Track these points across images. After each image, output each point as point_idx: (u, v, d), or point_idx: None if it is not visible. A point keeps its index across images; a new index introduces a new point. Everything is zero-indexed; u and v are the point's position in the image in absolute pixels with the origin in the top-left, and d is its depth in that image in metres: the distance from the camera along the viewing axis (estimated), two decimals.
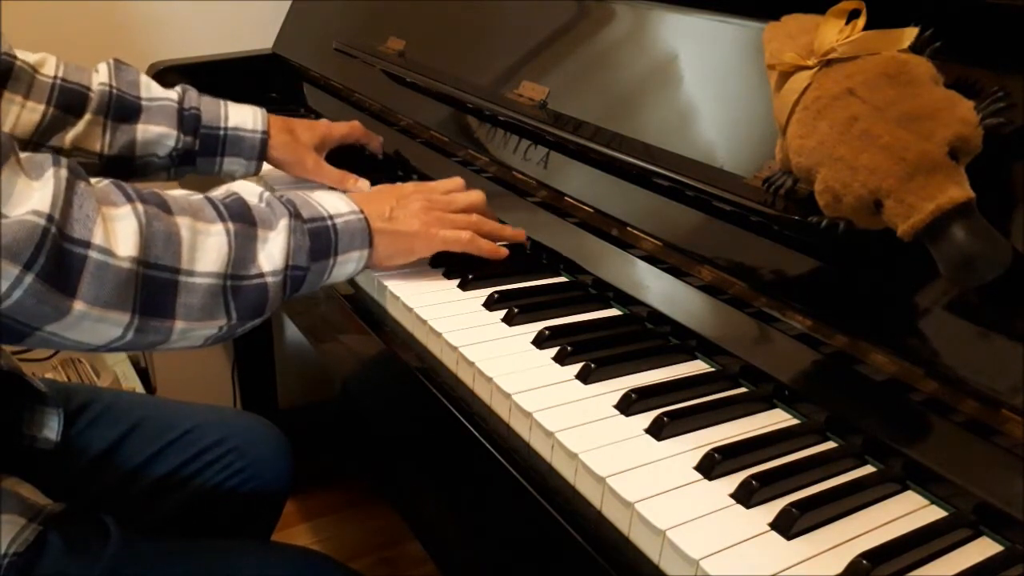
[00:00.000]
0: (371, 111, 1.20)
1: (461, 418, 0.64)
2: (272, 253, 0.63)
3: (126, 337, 0.57)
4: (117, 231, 0.55)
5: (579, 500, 0.55)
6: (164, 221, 0.58)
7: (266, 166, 1.02)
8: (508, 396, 0.61)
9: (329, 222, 0.68)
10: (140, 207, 0.57)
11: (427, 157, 1.04)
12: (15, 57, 0.85)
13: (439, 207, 0.77)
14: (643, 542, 0.50)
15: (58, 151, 0.88)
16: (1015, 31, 0.56)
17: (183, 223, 0.59)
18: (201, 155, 0.95)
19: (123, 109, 0.90)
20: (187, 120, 0.93)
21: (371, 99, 1.20)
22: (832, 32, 0.56)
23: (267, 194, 0.67)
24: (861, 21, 0.56)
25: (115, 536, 0.64)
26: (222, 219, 0.62)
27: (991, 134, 0.52)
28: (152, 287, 0.56)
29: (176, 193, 0.62)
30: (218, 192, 0.67)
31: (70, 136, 0.88)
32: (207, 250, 0.59)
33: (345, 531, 1.51)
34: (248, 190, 0.67)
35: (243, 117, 0.97)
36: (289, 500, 0.95)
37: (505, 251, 0.79)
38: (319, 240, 0.66)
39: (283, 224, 0.64)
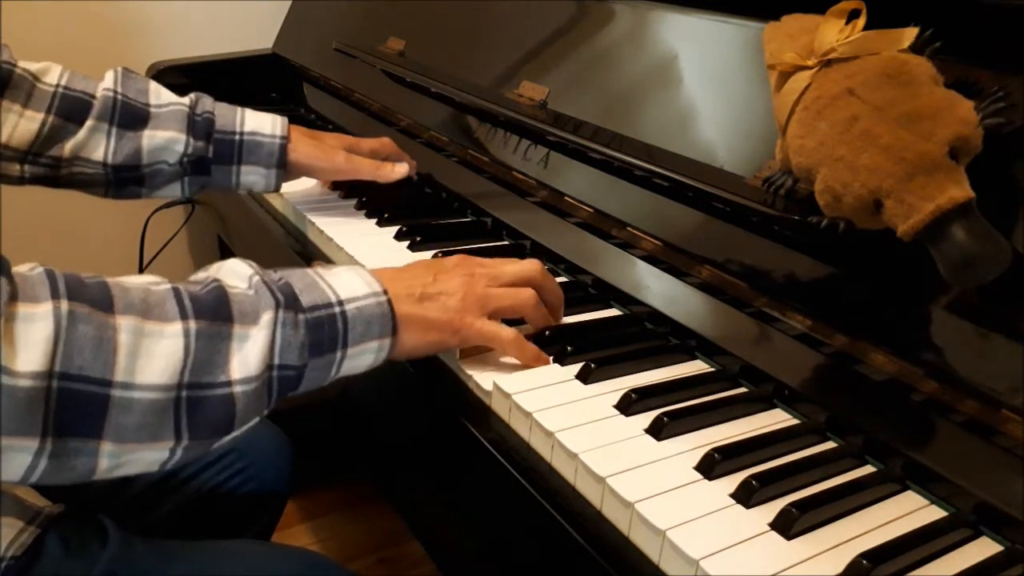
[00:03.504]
0: (371, 111, 1.20)
1: (461, 418, 0.64)
2: (247, 356, 0.53)
3: (39, 466, 0.47)
4: (21, 338, 0.45)
5: (579, 500, 0.55)
6: (96, 323, 0.48)
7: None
8: (508, 396, 0.61)
9: (337, 309, 0.57)
10: (64, 306, 0.47)
11: (427, 157, 1.04)
12: (15, 65, 0.83)
13: (483, 282, 0.65)
14: (643, 542, 0.50)
15: (58, 161, 0.85)
16: (1015, 31, 0.56)
17: (125, 324, 0.49)
18: (216, 163, 0.89)
19: (130, 116, 0.86)
20: (198, 124, 0.88)
21: (371, 99, 1.20)
22: (832, 32, 0.56)
23: (257, 278, 0.56)
24: (861, 21, 0.56)
25: (114, 538, 0.64)
26: (183, 316, 0.51)
27: (991, 134, 0.52)
28: (71, 403, 0.46)
29: (139, 282, 0.53)
30: (199, 275, 0.57)
31: (70, 145, 0.84)
32: (154, 357, 0.49)
33: (345, 531, 1.51)
34: (237, 272, 0.57)
35: (261, 122, 0.91)
36: (289, 500, 0.95)
37: (548, 360, 0.66)
38: (320, 332, 0.56)
39: (267, 318, 0.53)
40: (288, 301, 0.55)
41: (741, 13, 0.74)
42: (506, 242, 0.89)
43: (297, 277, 0.58)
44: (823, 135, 0.54)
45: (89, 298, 0.49)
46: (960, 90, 0.53)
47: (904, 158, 0.50)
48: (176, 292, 0.53)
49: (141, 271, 1.44)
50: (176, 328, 0.51)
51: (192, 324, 0.51)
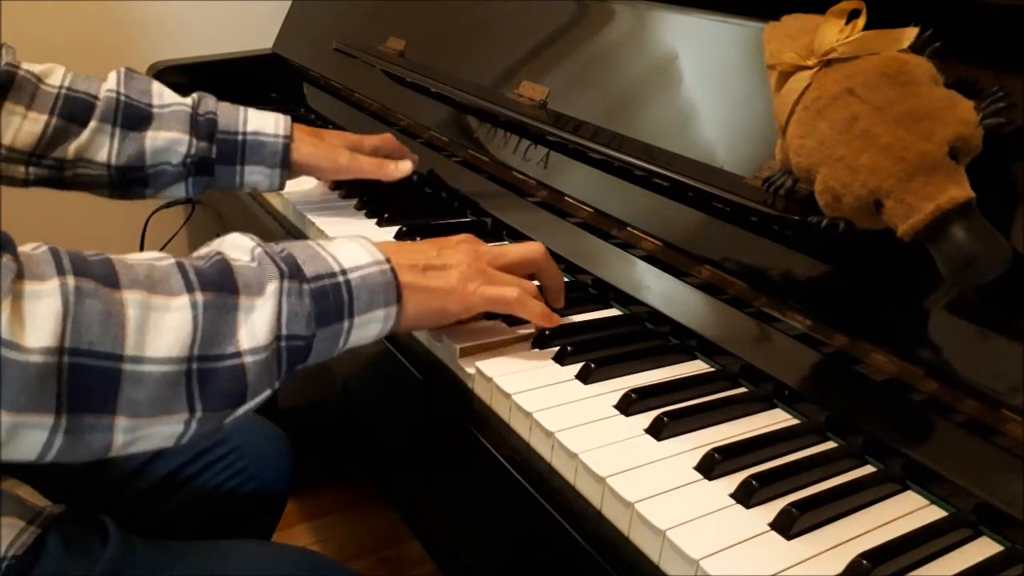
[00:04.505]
0: (371, 111, 1.20)
1: (461, 418, 0.64)
2: (255, 326, 0.53)
3: (55, 443, 0.47)
4: (29, 315, 0.45)
5: (579, 500, 0.55)
6: (104, 298, 0.48)
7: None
8: (508, 396, 0.61)
9: (341, 278, 0.57)
10: (71, 282, 0.47)
11: (427, 157, 1.04)
12: (18, 67, 0.83)
13: (486, 258, 0.66)
14: (643, 542, 0.50)
15: (62, 163, 0.86)
16: (1015, 31, 0.56)
17: (132, 299, 0.49)
18: (219, 163, 0.89)
19: (132, 117, 0.86)
20: (201, 125, 0.88)
21: (371, 99, 1.20)
22: (832, 32, 0.56)
23: (260, 250, 0.56)
24: (861, 21, 0.56)
25: (115, 538, 0.64)
26: (189, 289, 0.51)
27: (991, 134, 0.52)
28: (83, 379, 0.46)
29: (143, 258, 0.53)
30: (202, 251, 0.57)
31: (73, 146, 0.85)
32: (163, 330, 0.49)
33: (345, 531, 1.51)
34: (239, 246, 0.57)
35: (264, 122, 0.91)
36: (289, 500, 0.95)
37: (559, 319, 0.68)
38: (326, 301, 0.56)
39: (272, 288, 0.54)
40: (292, 271, 0.55)
41: (741, 13, 0.74)
42: (506, 242, 0.90)
43: (299, 248, 0.58)
44: (823, 135, 0.54)
45: (95, 274, 0.49)
46: (960, 90, 0.53)
47: (904, 158, 0.50)
48: (180, 266, 0.53)
49: None
50: (183, 301, 0.51)
51: (199, 296, 0.51)
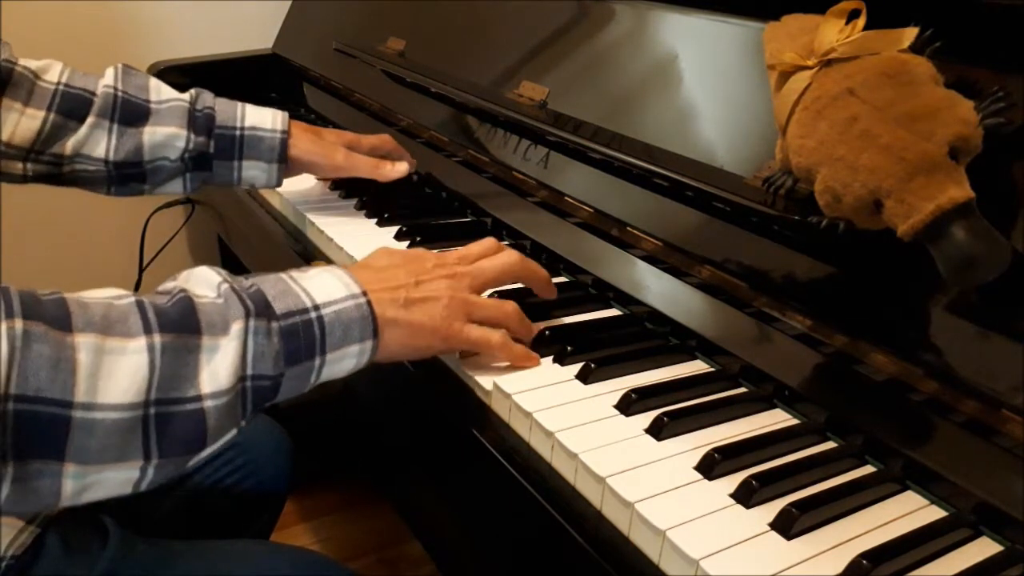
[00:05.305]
0: (371, 111, 1.20)
1: (461, 419, 0.64)
2: (217, 368, 0.50)
3: (2, 492, 0.45)
4: None
5: (579, 500, 0.55)
6: (53, 342, 0.45)
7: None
8: (508, 396, 0.61)
9: (313, 314, 0.55)
10: (19, 325, 0.44)
11: (427, 157, 1.04)
12: (15, 63, 0.83)
13: (465, 283, 0.64)
14: (643, 542, 0.50)
15: (60, 158, 0.86)
16: (1015, 31, 0.56)
17: (84, 343, 0.46)
18: (217, 158, 0.90)
19: (130, 112, 0.87)
20: (199, 120, 0.88)
21: (371, 99, 1.20)
22: (832, 32, 0.56)
23: (226, 286, 0.54)
24: (861, 21, 0.56)
25: (114, 537, 0.64)
26: (147, 331, 0.49)
27: (991, 134, 0.52)
28: (29, 427, 0.44)
29: (102, 296, 0.51)
30: (168, 284, 0.55)
31: (71, 142, 0.85)
32: (116, 375, 0.47)
33: (345, 531, 1.51)
34: (206, 281, 0.55)
35: (261, 117, 0.91)
36: (289, 500, 0.95)
37: (538, 359, 0.66)
38: (296, 339, 0.54)
39: (237, 328, 0.51)
40: (259, 309, 0.53)
41: (741, 13, 0.74)
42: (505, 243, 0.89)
43: (270, 283, 0.56)
44: (823, 135, 0.54)
45: (46, 316, 0.46)
46: (960, 90, 0.53)
47: (904, 158, 0.50)
48: (140, 306, 0.50)
49: (141, 271, 1.44)
50: (140, 344, 0.48)
51: (157, 338, 0.49)
